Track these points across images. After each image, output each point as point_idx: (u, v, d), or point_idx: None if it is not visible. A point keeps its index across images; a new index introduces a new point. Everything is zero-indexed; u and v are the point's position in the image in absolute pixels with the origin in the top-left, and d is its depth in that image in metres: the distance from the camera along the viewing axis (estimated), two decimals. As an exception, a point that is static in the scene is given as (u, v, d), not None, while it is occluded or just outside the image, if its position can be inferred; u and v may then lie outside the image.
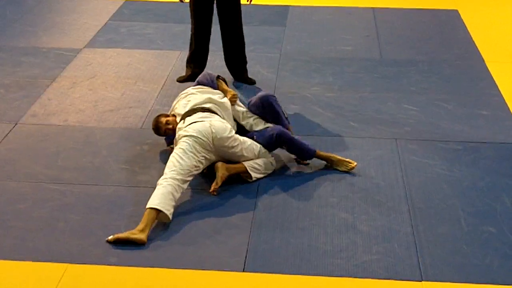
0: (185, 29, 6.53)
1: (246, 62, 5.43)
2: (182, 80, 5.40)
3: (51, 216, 3.76)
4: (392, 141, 4.56)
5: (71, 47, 6.10)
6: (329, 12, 7.09)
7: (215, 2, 5.20)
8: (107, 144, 4.50)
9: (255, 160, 4.07)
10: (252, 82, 5.38)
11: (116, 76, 5.54)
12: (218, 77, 4.45)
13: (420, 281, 3.32)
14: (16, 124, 4.76)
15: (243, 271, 3.37)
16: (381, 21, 6.84)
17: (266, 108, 4.26)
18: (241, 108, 4.34)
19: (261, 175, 4.08)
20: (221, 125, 3.97)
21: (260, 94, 4.35)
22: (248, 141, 4.07)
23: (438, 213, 3.82)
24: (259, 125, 4.25)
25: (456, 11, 7.09)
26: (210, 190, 3.91)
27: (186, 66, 5.47)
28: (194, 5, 5.24)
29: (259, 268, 3.38)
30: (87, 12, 7.01)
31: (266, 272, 3.36)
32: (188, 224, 3.71)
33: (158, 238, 3.58)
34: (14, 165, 4.25)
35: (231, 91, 4.36)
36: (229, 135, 3.94)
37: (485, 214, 3.81)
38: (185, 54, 5.69)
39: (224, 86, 4.40)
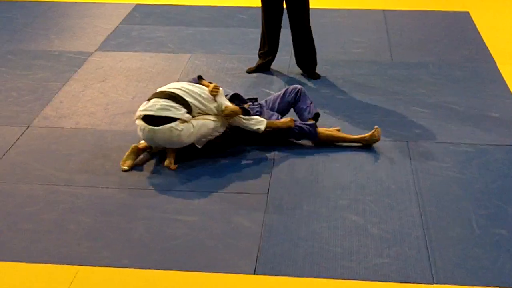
0: (195, 32, 6.56)
1: (315, 62, 5.61)
2: (251, 71, 5.65)
3: (62, 218, 3.78)
4: (403, 143, 4.55)
5: (82, 50, 6.13)
6: (339, 14, 7.09)
7: (284, 2, 5.42)
8: (118, 147, 4.52)
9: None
10: (318, 77, 5.58)
11: (127, 79, 5.56)
12: (200, 77, 4.50)
13: (432, 284, 3.30)
14: (28, 127, 4.79)
15: (254, 273, 3.37)
16: (392, 23, 6.83)
17: (299, 97, 4.69)
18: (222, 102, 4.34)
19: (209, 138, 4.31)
20: (167, 138, 4.15)
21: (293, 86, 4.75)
22: (189, 131, 4.17)
23: (449, 215, 3.80)
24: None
25: (467, 13, 7.07)
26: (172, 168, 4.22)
27: (259, 57, 5.71)
28: (264, 5, 5.47)
29: (269, 271, 3.38)
30: (98, 16, 7.05)
31: (277, 275, 3.36)
32: (198, 227, 3.71)
33: (169, 241, 3.59)
34: (25, 168, 4.27)
35: (212, 84, 4.37)
36: (177, 141, 4.17)
37: (496, 216, 3.79)
38: (195, 57, 5.72)
39: (205, 83, 4.43)
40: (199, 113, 4.26)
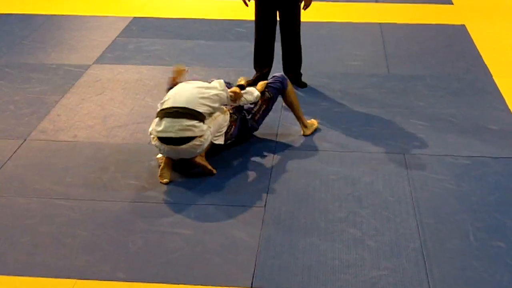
0: (193, 46, 6.58)
1: (300, 72, 5.70)
2: (249, 83, 5.65)
3: (59, 232, 3.77)
4: (400, 156, 4.56)
5: (80, 63, 6.14)
6: (336, 27, 7.12)
7: (277, 13, 5.51)
8: (115, 160, 4.52)
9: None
10: (304, 85, 5.67)
11: (125, 92, 5.57)
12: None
13: (429, 296, 3.30)
14: (25, 140, 4.79)
15: (251, 287, 3.36)
16: (389, 36, 6.86)
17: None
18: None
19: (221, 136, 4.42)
20: (191, 154, 4.23)
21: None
22: (208, 138, 4.25)
23: (446, 228, 3.80)
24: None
25: (463, 26, 7.10)
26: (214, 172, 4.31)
27: (255, 70, 5.75)
28: (258, 17, 5.52)
29: (267, 284, 3.38)
30: (96, 29, 7.07)
31: (274, 288, 3.35)
32: (195, 240, 3.71)
33: (166, 255, 3.59)
34: (22, 181, 4.27)
35: (232, 90, 4.51)
36: (196, 153, 4.25)
37: (494, 229, 3.79)
38: (192, 70, 5.73)
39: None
40: (209, 115, 4.33)
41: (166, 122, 4.21)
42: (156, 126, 4.25)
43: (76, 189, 4.18)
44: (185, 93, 4.32)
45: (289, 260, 3.54)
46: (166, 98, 4.37)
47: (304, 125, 4.84)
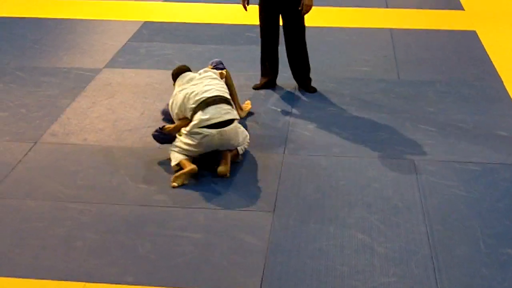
0: (203, 50, 6.60)
1: (309, 77, 5.70)
2: (258, 87, 5.75)
3: (68, 234, 3.79)
4: (410, 162, 4.55)
5: (91, 67, 6.17)
6: (346, 33, 7.12)
7: (280, 17, 5.52)
8: (125, 163, 4.54)
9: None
10: (314, 90, 5.67)
11: (135, 96, 5.59)
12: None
13: (438, 303, 3.29)
14: (36, 143, 4.81)
15: (260, 291, 3.36)
16: (399, 41, 6.85)
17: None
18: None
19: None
20: (233, 136, 4.38)
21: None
22: (241, 127, 4.53)
23: (456, 234, 3.79)
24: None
25: (474, 31, 7.08)
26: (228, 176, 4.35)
27: (262, 75, 5.78)
28: (262, 23, 5.54)
29: (275, 288, 3.38)
30: (107, 33, 7.10)
31: (283, 293, 3.35)
32: (204, 244, 3.71)
33: (175, 258, 3.59)
34: (33, 184, 4.29)
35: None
36: (236, 140, 4.42)
37: (504, 235, 3.77)
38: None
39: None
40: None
41: (211, 109, 4.36)
42: (202, 116, 4.33)
43: (86, 192, 4.20)
44: (210, 86, 4.52)
45: (298, 265, 3.54)
46: (193, 91, 4.45)
47: (240, 108, 5.07)
